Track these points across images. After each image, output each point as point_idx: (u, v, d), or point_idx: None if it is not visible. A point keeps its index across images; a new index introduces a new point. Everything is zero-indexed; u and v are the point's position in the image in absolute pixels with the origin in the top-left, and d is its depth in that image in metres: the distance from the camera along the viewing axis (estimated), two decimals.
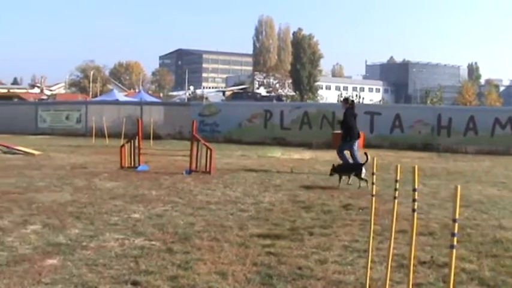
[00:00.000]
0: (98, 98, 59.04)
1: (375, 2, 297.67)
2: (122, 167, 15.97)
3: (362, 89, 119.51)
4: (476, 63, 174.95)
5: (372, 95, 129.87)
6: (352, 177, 13.39)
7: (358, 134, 15.96)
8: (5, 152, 20.59)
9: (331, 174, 13.71)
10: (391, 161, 18.44)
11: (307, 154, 22.44)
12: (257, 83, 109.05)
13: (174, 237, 7.92)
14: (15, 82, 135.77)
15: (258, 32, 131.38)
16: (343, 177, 13.48)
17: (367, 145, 23.71)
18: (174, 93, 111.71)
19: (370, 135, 25.56)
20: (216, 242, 7.66)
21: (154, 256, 6.93)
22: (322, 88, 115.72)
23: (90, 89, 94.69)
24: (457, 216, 3.95)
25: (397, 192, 5.14)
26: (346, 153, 15.46)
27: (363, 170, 13.22)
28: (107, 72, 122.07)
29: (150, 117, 29.30)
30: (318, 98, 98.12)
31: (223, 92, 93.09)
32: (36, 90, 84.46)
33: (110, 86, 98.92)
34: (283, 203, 11.01)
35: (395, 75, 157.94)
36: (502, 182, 14.61)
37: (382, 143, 25.13)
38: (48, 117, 35.08)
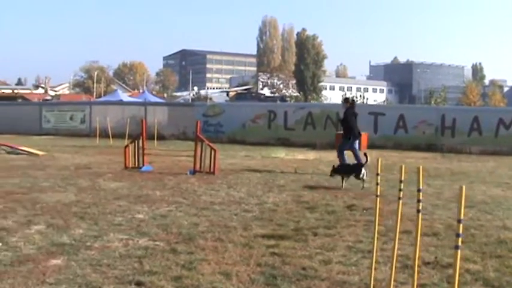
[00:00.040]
0: (102, 99, 59.15)
1: (379, 3, 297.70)
2: (126, 168, 15.98)
3: (366, 90, 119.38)
4: (480, 63, 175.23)
5: (376, 95, 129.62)
6: (350, 178, 13.43)
7: (359, 133, 16.02)
8: (9, 152, 20.64)
9: (331, 175, 13.78)
10: (395, 162, 18.41)
11: (311, 154, 22.41)
12: (261, 83, 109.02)
13: (178, 238, 7.92)
14: (19, 83, 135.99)
15: (261, 33, 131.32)
16: (338, 177, 13.55)
17: (371, 145, 23.70)
18: (178, 93, 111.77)
19: (374, 136, 25.51)
20: (220, 243, 7.66)
21: (158, 256, 6.93)
22: (326, 89, 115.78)
23: (94, 89, 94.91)
24: (462, 217, 3.94)
25: (401, 193, 5.14)
26: (348, 153, 15.47)
27: (363, 170, 13.25)
28: (111, 73, 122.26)
29: (154, 117, 29.31)
30: (322, 98, 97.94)
31: (227, 93, 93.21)
32: (41, 90, 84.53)
33: (114, 87, 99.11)
34: (287, 203, 11.01)
35: (399, 76, 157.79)
36: (506, 182, 14.57)
37: (386, 144, 25.08)
38: (52, 118, 35.11)
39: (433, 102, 55.29)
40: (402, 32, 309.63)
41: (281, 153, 22.40)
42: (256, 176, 15.04)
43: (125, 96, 53.23)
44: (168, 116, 31.93)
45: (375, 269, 5.82)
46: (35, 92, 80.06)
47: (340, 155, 15.45)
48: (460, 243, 4.00)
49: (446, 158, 21.51)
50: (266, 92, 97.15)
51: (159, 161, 17.55)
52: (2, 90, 69.01)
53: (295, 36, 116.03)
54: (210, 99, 67.65)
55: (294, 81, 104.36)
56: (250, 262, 6.74)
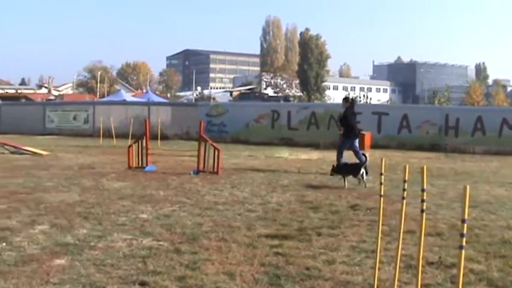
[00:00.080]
0: (106, 99, 59.21)
1: (382, 2, 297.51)
2: (129, 167, 16.00)
3: (369, 89, 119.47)
4: (483, 63, 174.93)
5: (380, 95, 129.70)
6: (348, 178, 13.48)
7: (359, 132, 16.12)
8: (12, 152, 20.67)
9: (331, 175, 13.92)
10: (398, 162, 18.41)
11: (314, 154, 22.41)
12: (264, 83, 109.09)
13: (182, 238, 7.93)
14: (23, 83, 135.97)
15: (265, 33, 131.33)
16: (339, 177, 13.63)
17: (375, 145, 23.74)
18: (182, 93, 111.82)
19: (377, 136, 25.54)
20: (223, 243, 7.66)
21: (162, 256, 6.94)
22: (329, 88, 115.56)
23: (98, 89, 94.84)
24: (466, 217, 3.93)
25: (405, 193, 5.13)
26: (348, 152, 15.50)
27: (362, 170, 13.31)
28: (114, 73, 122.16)
29: (158, 117, 29.35)
30: (325, 98, 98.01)
31: (231, 93, 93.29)
32: (44, 90, 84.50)
33: (117, 87, 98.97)
34: (291, 203, 11.01)
35: (402, 76, 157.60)
36: (510, 182, 14.55)
37: (389, 143, 25.09)
38: (56, 118, 35.18)
39: (436, 102, 55.39)
40: (406, 32, 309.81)
41: (284, 153, 22.41)
42: (259, 175, 15.05)
43: (128, 96, 53.22)
44: (171, 116, 31.95)
45: (379, 269, 5.82)
46: (38, 92, 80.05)
47: (339, 155, 15.50)
48: (464, 243, 4.00)
49: (449, 158, 21.50)
50: (269, 91, 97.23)
51: (163, 160, 17.56)
52: (6, 90, 68.98)
53: (298, 36, 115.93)
54: (214, 99, 67.59)
55: (298, 81, 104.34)
56: (254, 262, 6.74)
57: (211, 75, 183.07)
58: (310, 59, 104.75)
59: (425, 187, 4.69)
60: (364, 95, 61.21)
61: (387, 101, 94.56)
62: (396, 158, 20.29)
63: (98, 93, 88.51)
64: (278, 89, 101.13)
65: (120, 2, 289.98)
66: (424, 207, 4.69)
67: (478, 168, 17.81)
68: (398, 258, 5.15)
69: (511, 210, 10.46)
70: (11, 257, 6.78)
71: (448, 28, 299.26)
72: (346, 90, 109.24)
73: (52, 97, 66.77)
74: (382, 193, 5.61)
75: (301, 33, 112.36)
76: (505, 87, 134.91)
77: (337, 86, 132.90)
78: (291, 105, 40.24)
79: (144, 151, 16.18)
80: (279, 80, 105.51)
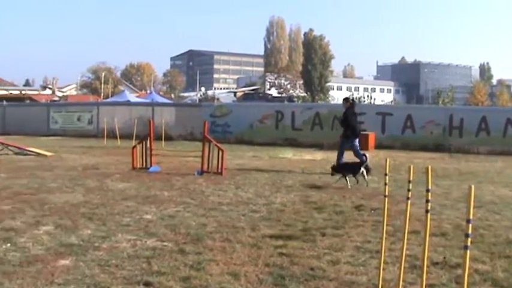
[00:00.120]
0: (110, 99, 59.25)
1: (386, 2, 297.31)
2: (133, 168, 16.01)
3: (373, 90, 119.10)
4: (488, 63, 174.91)
5: (383, 95, 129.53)
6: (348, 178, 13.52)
7: (360, 132, 16.15)
8: (16, 153, 20.70)
9: (332, 174, 13.96)
10: (402, 162, 18.38)
11: (318, 155, 22.39)
12: (268, 83, 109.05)
13: (186, 238, 7.93)
14: (27, 84, 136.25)
15: (269, 33, 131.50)
16: (337, 177, 13.67)
17: (379, 146, 23.73)
18: (186, 94, 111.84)
19: (381, 136, 25.50)
20: (228, 243, 7.66)
21: (166, 257, 6.94)
22: (333, 89, 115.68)
23: (102, 90, 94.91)
24: (471, 217, 3.92)
25: (410, 193, 5.13)
26: (349, 152, 15.50)
27: (361, 169, 13.38)
28: (118, 74, 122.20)
29: (162, 118, 29.31)
30: (329, 98, 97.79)
31: (235, 93, 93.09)
32: (48, 91, 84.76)
33: (121, 87, 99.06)
34: (295, 203, 11.00)
35: (406, 76, 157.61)
36: None
37: (393, 144, 25.03)
38: (60, 119, 35.19)
39: (440, 102, 55.12)
40: (409, 32, 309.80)
41: (288, 154, 22.39)
42: (263, 176, 15.04)
43: (132, 97, 53.30)
44: (175, 116, 31.95)
45: (383, 269, 5.81)
46: (42, 93, 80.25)
47: (339, 155, 15.52)
48: (469, 244, 3.99)
49: (454, 158, 21.45)
50: (273, 92, 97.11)
51: (167, 161, 17.57)
52: (10, 91, 69.09)
53: (302, 36, 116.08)
54: (218, 99, 67.58)
55: (301, 82, 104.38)
56: (258, 262, 6.74)
57: (215, 75, 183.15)
58: (314, 59, 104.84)
59: (430, 187, 4.69)
60: (368, 96, 60.91)
61: (391, 102, 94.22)
62: (400, 158, 20.25)
63: (102, 94, 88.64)
64: (282, 90, 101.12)
65: (125, 3, 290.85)
66: (429, 208, 4.69)
67: (482, 169, 17.77)
68: (403, 259, 5.14)
69: None
70: (15, 258, 6.79)
71: (452, 28, 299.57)
72: (350, 90, 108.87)
73: (56, 98, 66.97)
74: (386, 193, 5.60)
75: (305, 34, 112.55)
76: (509, 87, 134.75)
77: (341, 87, 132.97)
78: (295, 106, 40.09)
79: (148, 152, 16.19)
80: (282, 81, 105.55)
